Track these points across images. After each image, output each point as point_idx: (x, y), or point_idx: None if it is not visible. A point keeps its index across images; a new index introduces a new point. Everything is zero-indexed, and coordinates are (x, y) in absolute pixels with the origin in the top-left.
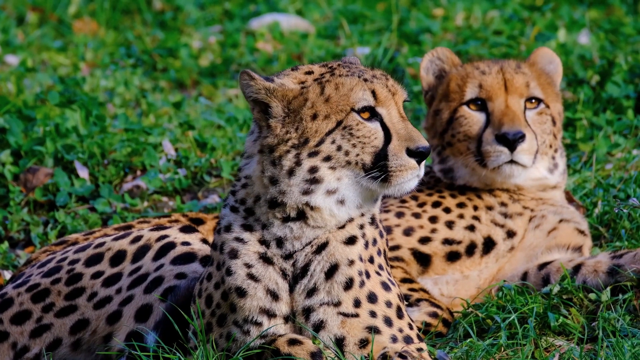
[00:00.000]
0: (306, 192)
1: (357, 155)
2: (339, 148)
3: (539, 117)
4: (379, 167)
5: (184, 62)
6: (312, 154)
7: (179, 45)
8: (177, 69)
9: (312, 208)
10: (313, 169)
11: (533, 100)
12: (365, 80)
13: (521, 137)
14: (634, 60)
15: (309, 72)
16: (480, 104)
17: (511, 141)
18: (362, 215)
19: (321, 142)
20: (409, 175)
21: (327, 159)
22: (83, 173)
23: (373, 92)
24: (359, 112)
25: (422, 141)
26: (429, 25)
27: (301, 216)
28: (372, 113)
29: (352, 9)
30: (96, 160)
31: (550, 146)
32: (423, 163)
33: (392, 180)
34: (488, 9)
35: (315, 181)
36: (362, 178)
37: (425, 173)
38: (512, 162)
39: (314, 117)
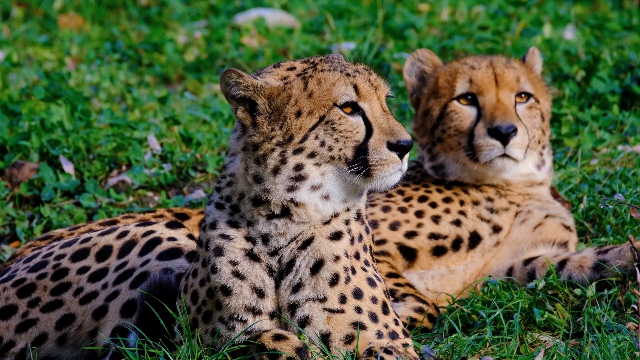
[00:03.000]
0: (291, 189)
1: (340, 149)
2: (323, 143)
3: (529, 112)
4: (359, 161)
5: (170, 57)
6: (297, 151)
7: (164, 40)
8: (162, 64)
9: (296, 204)
10: (298, 166)
11: (523, 95)
12: (348, 75)
13: (514, 131)
14: (619, 56)
15: (291, 68)
16: (471, 98)
17: (504, 135)
18: (348, 210)
19: (305, 138)
20: (391, 169)
21: (312, 155)
22: (68, 168)
23: (355, 87)
24: (342, 106)
25: (404, 135)
26: (414, 21)
27: (286, 213)
28: (354, 107)
29: (338, 4)
30: (81, 155)
31: (539, 142)
32: (406, 157)
33: (374, 174)
34: (473, 4)
35: (300, 178)
36: (345, 173)
37: (412, 168)
38: (504, 155)
39: (298, 113)
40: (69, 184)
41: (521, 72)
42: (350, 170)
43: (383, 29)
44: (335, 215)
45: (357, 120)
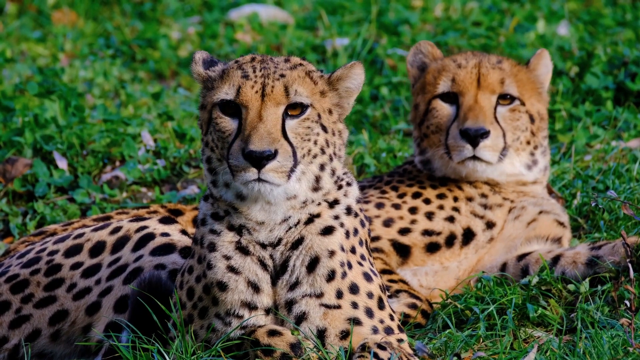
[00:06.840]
0: (214, 184)
1: (221, 149)
2: (213, 140)
3: (510, 114)
4: (227, 164)
5: (163, 52)
6: (206, 144)
7: (158, 36)
8: (156, 59)
9: (238, 199)
10: (208, 159)
11: (507, 97)
12: (245, 77)
13: (484, 134)
14: (612, 52)
15: (236, 61)
16: (452, 97)
17: (472, 137)
18: (332, 207)
19: (207, 132)
20: (246, 176)
21: (213, 149)
22: (62, 164)
23: (238, 90)
24: (220, 106)
25: (257, 145)
26: (408, 17)
27: (235, 209)
28: (235, 109)
29: (331, 0)
30: (75, 150)
31: (528, 143)
32: (269, 168)
33: (235, 177)
34: (467, 0)
35: (213, 172)
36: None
37: (409, 162)
38: (474, 157)
39: (203, 106)
40: (62, 180)
41: (508, 74)
42: (227, 171)
43: (377, 24)
44: (317, 214)
45: (233, 122)
